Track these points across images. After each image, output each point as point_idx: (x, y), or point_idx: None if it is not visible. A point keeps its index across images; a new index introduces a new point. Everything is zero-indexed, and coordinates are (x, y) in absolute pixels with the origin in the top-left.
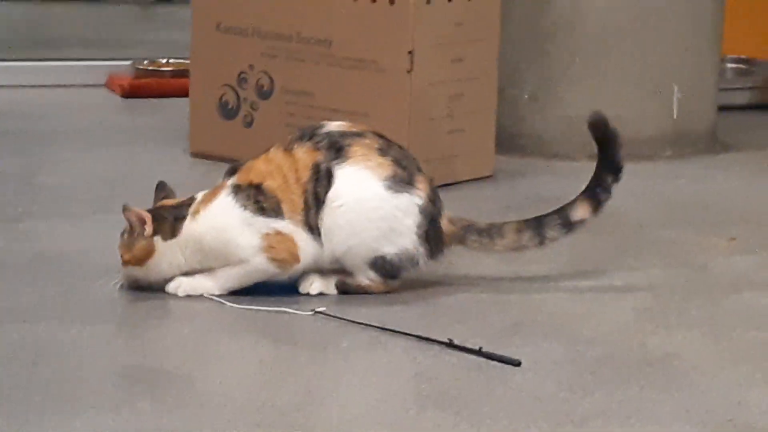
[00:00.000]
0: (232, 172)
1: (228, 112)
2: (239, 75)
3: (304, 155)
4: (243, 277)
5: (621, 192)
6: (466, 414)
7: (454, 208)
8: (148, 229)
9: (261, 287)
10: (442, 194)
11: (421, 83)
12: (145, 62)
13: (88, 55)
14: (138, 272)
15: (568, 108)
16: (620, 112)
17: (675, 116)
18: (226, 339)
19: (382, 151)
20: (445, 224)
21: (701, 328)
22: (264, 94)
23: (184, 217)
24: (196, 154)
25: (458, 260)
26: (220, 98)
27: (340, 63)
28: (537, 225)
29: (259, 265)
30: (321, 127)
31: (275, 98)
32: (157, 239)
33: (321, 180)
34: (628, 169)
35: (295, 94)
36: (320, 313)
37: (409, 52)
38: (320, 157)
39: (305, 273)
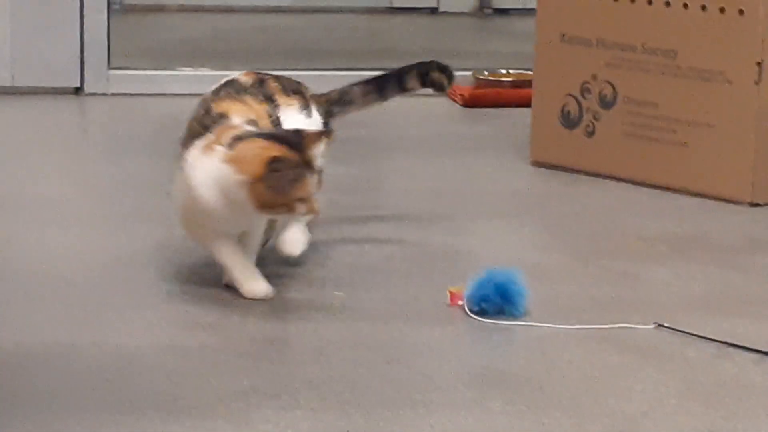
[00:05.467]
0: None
1: (570, 121)
2: (582, 85)
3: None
4: None
5: None
6: None
7: None
8: None
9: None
10: None
11: None
12: (485, 73)
13: None
14: None
15: None
16: None
17: None
18: (570, 346)
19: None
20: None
21: None
22: (606, 104)
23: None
24: (537, 163)
25: None
26: (563, 108)
27: (686, 74)
28: (379, 88)
29: None
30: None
31: (618, 108)
32: None
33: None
34: None
35: (638, 104)
36: (663, 326)
37: (758, 63)
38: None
39: None
